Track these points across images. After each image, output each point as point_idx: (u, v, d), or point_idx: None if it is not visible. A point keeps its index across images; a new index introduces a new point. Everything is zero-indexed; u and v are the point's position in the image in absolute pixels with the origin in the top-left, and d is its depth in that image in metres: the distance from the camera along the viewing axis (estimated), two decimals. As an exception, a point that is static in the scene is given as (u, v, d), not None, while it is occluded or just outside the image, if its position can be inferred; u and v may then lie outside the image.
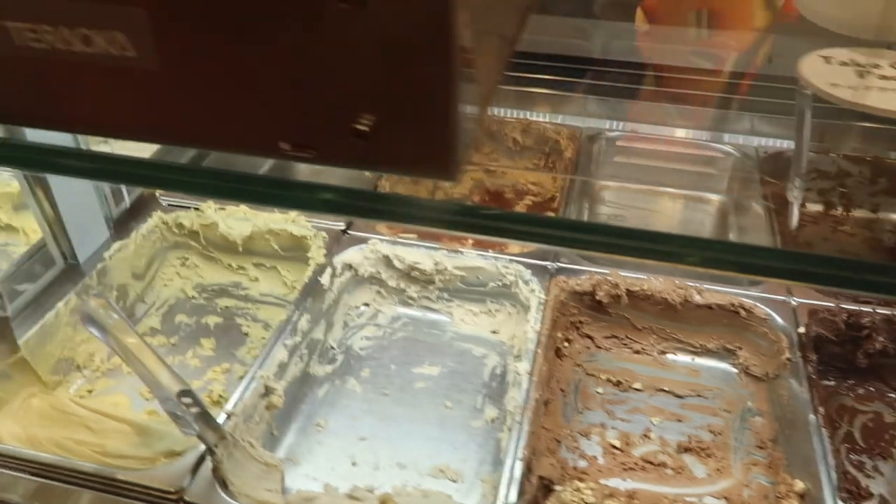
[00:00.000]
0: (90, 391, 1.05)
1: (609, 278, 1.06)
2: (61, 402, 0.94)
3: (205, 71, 0.32)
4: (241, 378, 1.05)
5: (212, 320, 1.17)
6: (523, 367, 0.93)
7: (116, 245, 1.16)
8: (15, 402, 0.93)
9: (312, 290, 1.07)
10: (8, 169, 0.98)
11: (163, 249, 1.25)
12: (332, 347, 1.10)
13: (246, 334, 1.14)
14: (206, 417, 0.79)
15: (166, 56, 0.31)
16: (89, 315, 0.70)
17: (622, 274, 1.06)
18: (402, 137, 0.31)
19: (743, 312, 1.01)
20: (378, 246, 1.14)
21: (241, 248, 1.21)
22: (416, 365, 1.08)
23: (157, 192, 1.28)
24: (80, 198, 1.12)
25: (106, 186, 1.19)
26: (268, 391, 0.93)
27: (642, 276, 1.06)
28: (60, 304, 1.05)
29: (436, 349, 1.11)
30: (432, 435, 0.98)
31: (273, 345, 0.97)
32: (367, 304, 1.18)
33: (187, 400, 0.76)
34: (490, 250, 1.14)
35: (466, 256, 1.11)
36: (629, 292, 1.04)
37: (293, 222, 1.19)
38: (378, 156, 0.31)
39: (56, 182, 1.07)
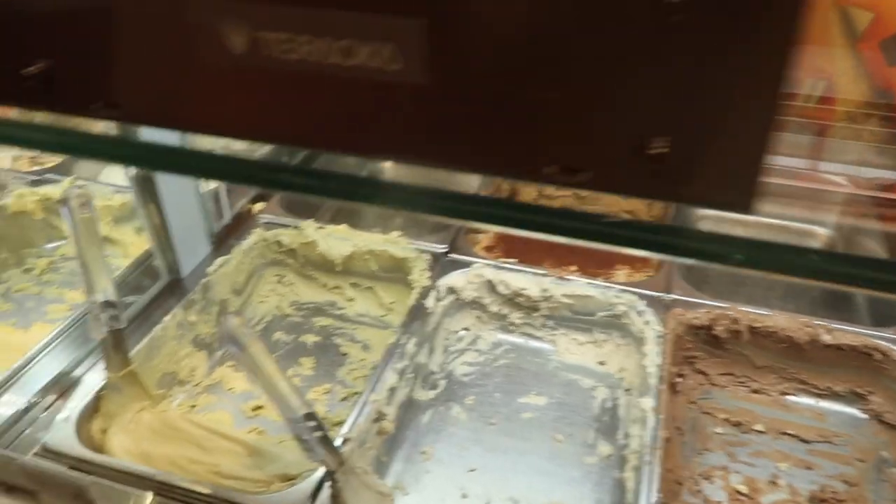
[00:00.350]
0: (193, 406, 1.04)
1: (729, 313, 1.01)
2: (171, 417, 0.93)
3: (476, 86, 0.30)
4: (344, 399, 1.04)
5: (309, 339, 1.16)
6: (647, 403, 0.88)
7: (219, 260, 1.15)
8: (126, 415, 0.93)
9: (418, 313, 1.05)
10: (141, 167, 0.98)
11: (260, 266, 1.24)
12: (434, 372, 1.08)
13: (345, 354, 1.13)
14: (327, 442, 0.76)
15: (437, 70, 0.29)
16: (230, 333, 0.69)
17: (742, 308, 1.01)
18: (699, 165, 0.28)
19: (878, 355, 0.95)
20: (482, 270, 1.11)
21: (339, 268, 1.20)
22: (521, 394, 1.05)
23: (256, 209, 1.28)
24: (185, 213, 1.12)
25: (209, 201, 1.19)
26: (379, 416, 0.91)
27: (765, 312, 1.00)
28: (167, 318, 1.05)
29: (541, 378, 1.07)
30: (544, 469, 0.94)
31: (383, 369, 0.95)
32: (466, 329, 1.15)
33: (311, 423, 0.74)
34: (598, 278, 1.10)
35: (575, 284, 1.08)
36: (751, 328, 0.99)
37: (394, 243, 1.17)
38: (664, 182, 0.29)
39: (165, 196, 1.07)
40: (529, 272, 1.10)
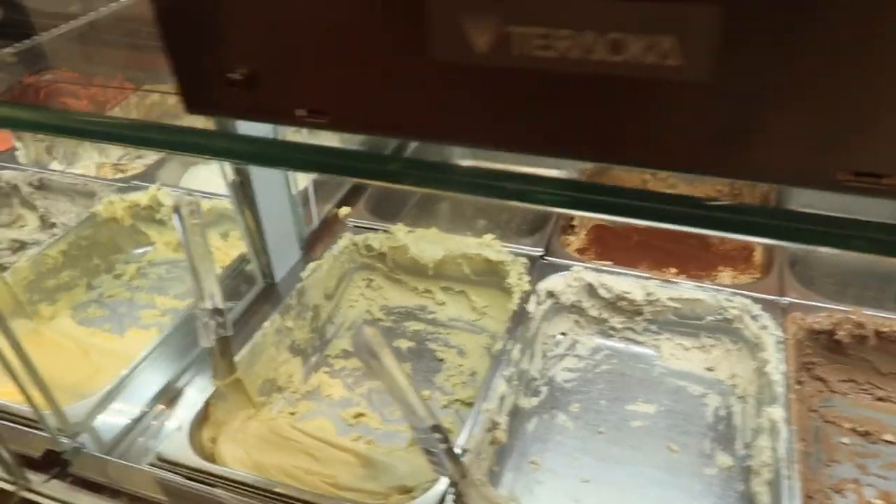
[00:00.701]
0: (293, 413, 1.03)
1: (851, 317, 0.95)
2: (278, 425, 0.92)
3: (765, 83, 0.27)
4: (445, 407, 1.02)
5: (403, 344, 1.14)
6: (776, 413, 0.84)
7: (311, 265, 1.14)
8: (233, 424, 0.92)
9: (520, 318, 1.02)
10: (238, 162, 0.98)
11: (350, 270, 1.23)
12: (535, 378, 1.05)
13: (441, 360, 1.10)
14: (452, 454, 0.74)
15: (726, 66, 0.26)
16: (366, 343, 0.67)
17: (866, 312, 0.96)
18: None
19: None
20: (582, 273, 1.08)
21: (431, 272, 1.18)
22: (628, 402, 1.01)
23: (342, 214, 1.27)
24: (278, 218, 1.11)
25: (300, 206, 1.18)
26: (493, 426, 0.88)
27: (890, 316, 0.95)
28: (266, 324, 1.04)
29: (646, 385, 1.03)
30: (662, 481, 0.90)
31: (492, 376, 0.92)
32: (563, 334, 1.12)
33: (437, 435, 0.72)
34: (702, 281, 1.06)
35: (683, 287, 1.04)
36: (878, 333, 0.94)
37: (488, 247, 1.14)
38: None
39: (261, 201, 1.06)
40: (632, 275, 1.06)
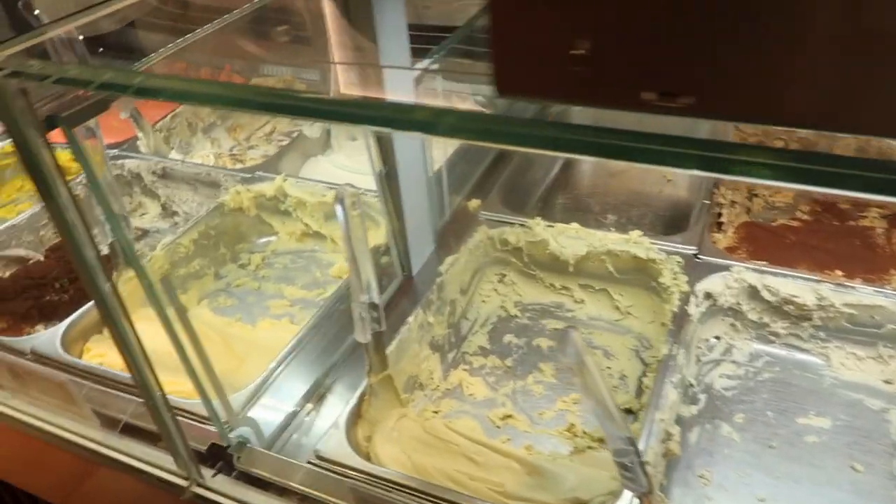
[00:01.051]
0: (436, 412, 0.99)
1: None
2: (433, 426, 0.89)
3: None
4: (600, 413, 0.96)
5: (543, 343, 1.09)
6: None
7: (449, 259, 1.11)
8: (387, 422, 0.89)
9: (681, 321, 0.96)
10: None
11: (483, 265, 1.19)
12: (692, 385, 0.98)
13: (586, 363, 1.05)
14: (643, 467, 0.69)
15: None
16: (574, 345, 0.62)
17: None
18: None
19: None
20: (744, 275, 1.00)
21: (571, 269, 1.12)
22: (797, 414, 0.94)
23: (473, 206, 1.23)
24: (417, 209, 1.08)
25: (435, 198, 1.15)
26: (667, 437, 0.83)
27: None
28: (410, 319, 1.01)
29: (817, 396, 0.96)
30: (847, 503, 0.83)
31: (662, 383, 0.87)
32: (717, 338, 1.05)
33: (630, 447, 0.67)
34: (886, 286, 0.97)
35: (861, 292, 0.95)
36: None
37: (636, 244, 1.08)
38: None
39: (405, 193, 1.03)
40: (801, 277, 0.99)
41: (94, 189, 0.71)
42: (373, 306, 0.86)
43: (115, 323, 0.65)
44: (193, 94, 0.54)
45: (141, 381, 0.68)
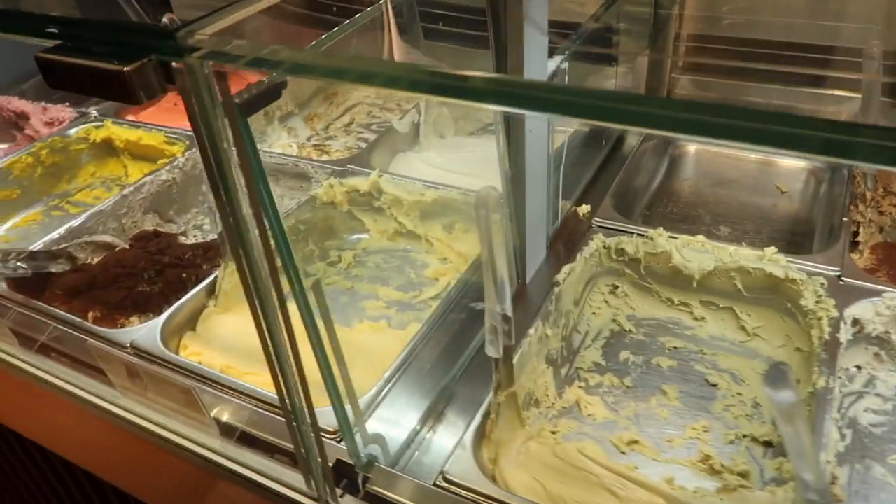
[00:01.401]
0: (554, 432, 0.93)
1: None
2: (565, 451, 0.82)
3: None
4: (731, 443, 0.89)
5: (664, 362, 1.02)
6: None
7: (566, 268, 1.04)
8: (512, 444, 0.83)
9: (832, 349, 0.88)
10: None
11: (596, 275, 1.12)
12: (834, 418, 0.90)
13: (714, 385, 0.98)
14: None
15: None
16: (791, 385, 0.55)
17: None
18: None
19: None
20: (897, 300, 0.92)
21: (695, 284, 1.05)
22: (961, 458, 0.85)
23: (583, 212, 1.16)
24: (535, 214, 1.01)
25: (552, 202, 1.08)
26: (833, 480, 0.75)
27: None
28: (531, 332, 0.94)
29: (980, 440, 0.87)
30: None
31: (822, 419, 0.79)
32: (858, 368, 0.97)
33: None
34: None
35: None
36: None
37: (771, 261, 1.00)
38: None
39: (529, 197, 0.96)
40: (965, 307, 0.90)
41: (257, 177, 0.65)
42: (505, 318, 0.80)
43: (273, 340, 0.60)
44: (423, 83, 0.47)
45: (289, 398, 0.62)
